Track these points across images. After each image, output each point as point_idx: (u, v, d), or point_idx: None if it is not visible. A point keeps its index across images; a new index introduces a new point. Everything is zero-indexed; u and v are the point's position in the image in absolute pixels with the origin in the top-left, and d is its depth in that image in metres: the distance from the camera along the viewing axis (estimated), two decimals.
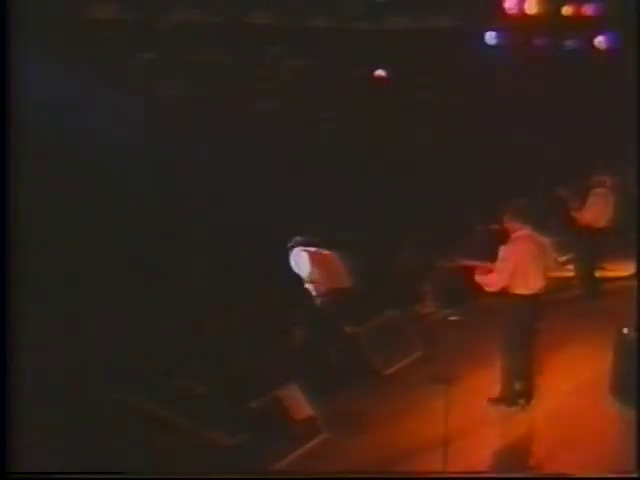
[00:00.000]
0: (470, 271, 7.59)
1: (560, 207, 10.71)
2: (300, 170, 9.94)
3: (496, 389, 7.56)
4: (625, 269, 10.71)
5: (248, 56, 9.64)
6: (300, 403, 7.29)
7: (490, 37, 10.99)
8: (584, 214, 10.43)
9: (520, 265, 7.20)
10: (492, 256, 7.37)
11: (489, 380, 7.64)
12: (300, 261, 8.44)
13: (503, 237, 7.47)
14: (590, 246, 10.57)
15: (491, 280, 7.29)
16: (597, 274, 10.79)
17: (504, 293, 7.33)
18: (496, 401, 7.53)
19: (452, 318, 7.03)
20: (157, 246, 8.30)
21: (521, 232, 7.30)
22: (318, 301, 8.44)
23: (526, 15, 10.34)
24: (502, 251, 7.26)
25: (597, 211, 10.39)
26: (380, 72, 11.48)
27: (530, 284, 7.28)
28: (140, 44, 8.73)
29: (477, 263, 7.68)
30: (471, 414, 7.18)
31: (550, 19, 10.50)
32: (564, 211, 10.64)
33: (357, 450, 6.87)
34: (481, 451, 6.78)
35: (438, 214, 11.08)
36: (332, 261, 8.53)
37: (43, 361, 6.53)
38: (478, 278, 7.41)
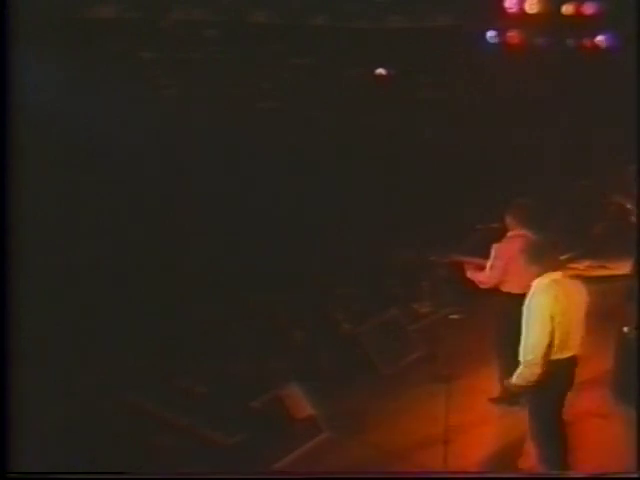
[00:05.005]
0: (462, 267, 7.61)
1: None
2: (300, 168, 9.93)
3: (497, 388, 7.56)
4: (625, 267, 10.68)
5: (248, 55, 9.64)
6: (300, 402, 7.30)
7: (491, 36, 11.00)
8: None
9: (512, 263, 7.21)
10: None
11: (490, 379, 7.64)
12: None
13: (502, 236, 7.50)
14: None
15: (482, 277, 7.35)
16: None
17: (497, 291, 7.36)
18: (497, 400, 7.53)
19: (452, 317, 7.05)
20: (157, 246, 8.29)
21: (516, 232, 7.35)
22: None
23: (526, 14, 10.35)
24: (494, 249, 7.31)
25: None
26: (381, 70, 11.49)
27: (523, 283, 7.29)
28: (141, 43, 8.73)
29: (469, 259, 7.71)
30: (472, 413, 7.18)
31: (550, 18, 10.50)
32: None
33: (357, 450, 6.87)
34: (481, 450, 6.78)
35: (438, 212, 11.07)
36: None
37: (43, 361, 6.53)
38: (469, 274, 7.46)
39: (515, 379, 5.85)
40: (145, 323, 7.82)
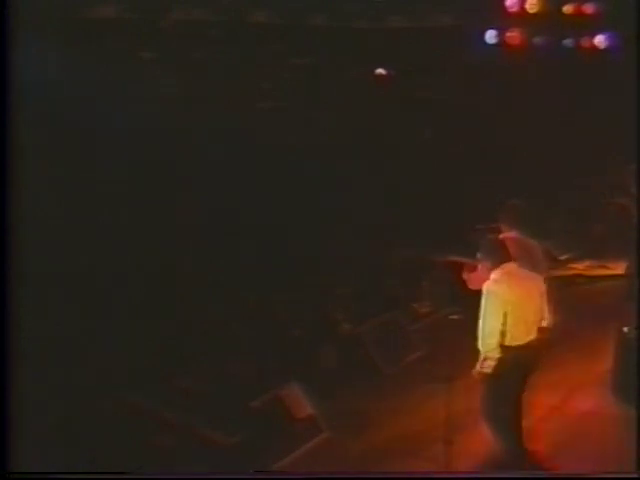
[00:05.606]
0: (460, 267, 7.60)
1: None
2: (300, 168, 9.94)
3: None
4: (625, 267, 10.68)
5: (248, 55, 9.65)
6: (301, 402, 7.30)
7: (491, 35, 11.01)
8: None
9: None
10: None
11: None
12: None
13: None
14: None
15: (474, 278, 7.34)
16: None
17: None
18: None
19: (452, 317, 7.05)
20: (157, 245, 8.29)
21: (507, 234, 7.34)
22: None
23: (527, 13, 10.37)
24: None
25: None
26: (381, 70, 11.51)
27: None
28: (141, 43, 8.74)
29: (465, 259, 7.70)
30: (472, 413, 7.17)
31: (551, 18, 10.52)
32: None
33: (357, 450, 6.87)
34: (482, 450, 6.77)
35: (438, 212, 11.08)
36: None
37: (43, 361, 6.53)
38: (465, 275, 7.47)
39: (479, 367, 6.16)
40: (145, 323, 7.82)
